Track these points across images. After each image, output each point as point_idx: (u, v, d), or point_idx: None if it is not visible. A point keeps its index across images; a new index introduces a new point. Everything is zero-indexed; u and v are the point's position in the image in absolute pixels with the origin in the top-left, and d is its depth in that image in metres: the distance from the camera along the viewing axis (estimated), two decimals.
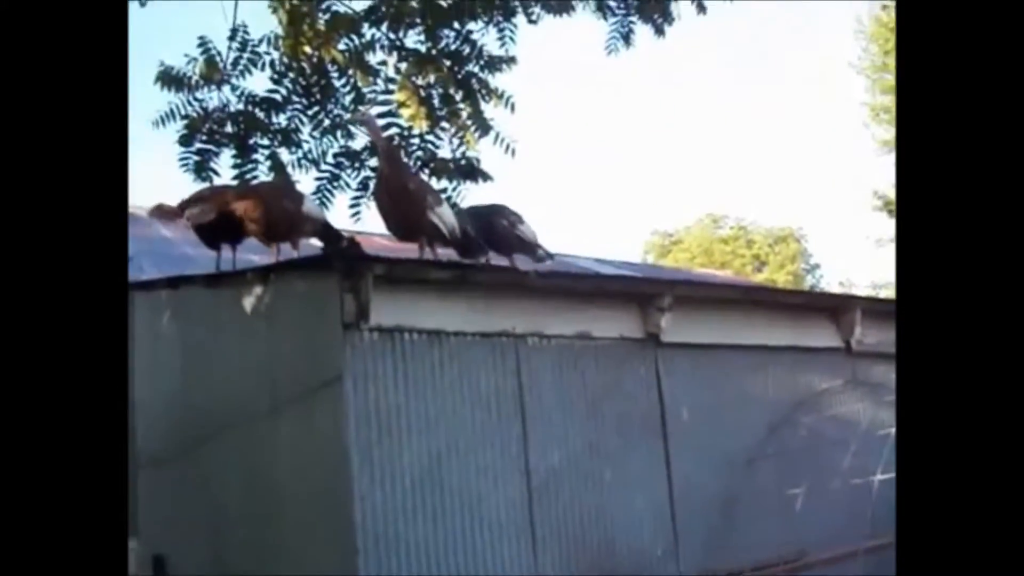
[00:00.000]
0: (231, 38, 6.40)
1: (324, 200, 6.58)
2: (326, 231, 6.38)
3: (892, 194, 18.73)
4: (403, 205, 5.80)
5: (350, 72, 6.60)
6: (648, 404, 6.51)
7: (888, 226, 21.60)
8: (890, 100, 20.13)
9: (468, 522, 5.46)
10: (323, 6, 6.56)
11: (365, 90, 6.66)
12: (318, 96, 6.62)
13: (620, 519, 6.14)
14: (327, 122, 6.67)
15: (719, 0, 6.83)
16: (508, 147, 6.63)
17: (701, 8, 6.86)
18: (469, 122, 6.64)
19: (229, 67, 6.41)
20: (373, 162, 6.51)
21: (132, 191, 3.10)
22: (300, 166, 6.65)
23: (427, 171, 6.74)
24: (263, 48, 6.46)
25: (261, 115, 6.53)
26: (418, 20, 6.60)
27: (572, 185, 50.41)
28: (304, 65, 6.55)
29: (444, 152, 6.78)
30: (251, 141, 6.51)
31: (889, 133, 20.20)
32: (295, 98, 6.61)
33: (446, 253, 6.24)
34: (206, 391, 6.14)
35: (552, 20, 6.73)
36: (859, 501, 5.98)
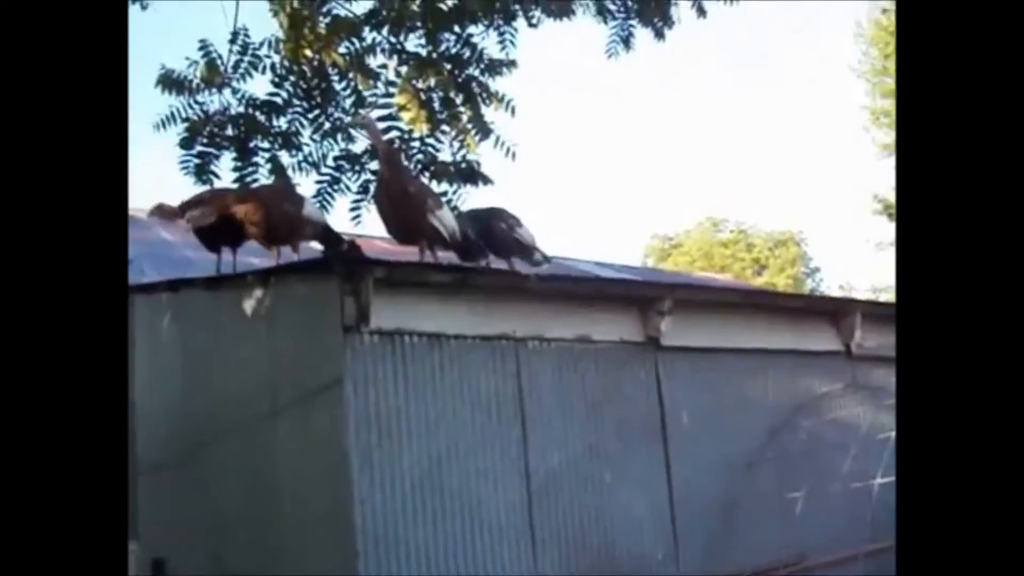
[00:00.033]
0: (232, 41, 6.40)
1: (324, 203, 6.58)
2: (326, 234, 6.39)
3: (892, 198, 18.72)
4: (403, 208, 5.81)
5: (351, 75, 6.60)
6: (648, 407, 6.52)
7: (888, 230, 21.63)
8: (890, 104, 20.15)
9: (468, 525, 5.47)
10: (324, 9, 6.57)
11: (366, 93, 6.65)
12: (319, 99, 6.62)
13: (620, 522, 6.15)
14: (328, 125, 6.66)
15: (719, 2, 6.84)
16: (508, 150, 6.63)
17: (701, 11, 6.87)
18: (469, 125, 6.64)
19: (230, 70, 6.41)
20: (373, 165, 6.51)
21: (132, 194, 3.11)
22: (300, 169, 6.65)
23: (427, 174, 6.74)
24: (264, 51, 6.47)
25: (262, 118, 6.53)
26: (419, 24, 6.60)
27: (572, 188, 50.53)
28: (305, 68, 6.55)
29: (444, 155, 6.78)
30: (252, 144, 6.50)
31: (889, 137, 20.21)
32: (296, 101, 6.61)
33: (446, 256, 6.24)
34: (206, 394, 6.13)
35: (552, 24, 6.75)
36: (859, 505, 5.98)
